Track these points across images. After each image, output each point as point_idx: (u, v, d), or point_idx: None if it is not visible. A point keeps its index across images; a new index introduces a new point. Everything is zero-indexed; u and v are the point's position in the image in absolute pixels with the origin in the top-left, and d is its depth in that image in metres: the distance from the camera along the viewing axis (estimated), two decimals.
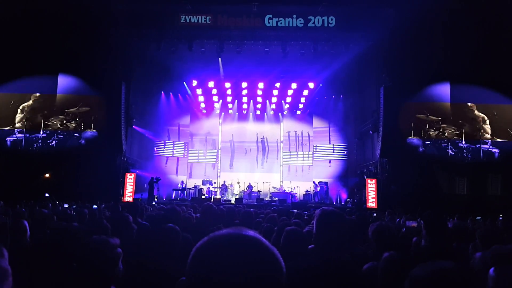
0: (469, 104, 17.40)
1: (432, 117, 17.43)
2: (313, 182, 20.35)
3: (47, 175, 16.66)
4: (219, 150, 23.42)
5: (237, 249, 0.89)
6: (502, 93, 17.27)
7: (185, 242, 3.24)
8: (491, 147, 17.15)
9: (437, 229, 3.27)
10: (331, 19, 16.31)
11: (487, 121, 17.30)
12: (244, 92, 21.67)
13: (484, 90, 17.32)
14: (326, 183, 19.95)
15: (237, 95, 22.17)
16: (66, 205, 9.77)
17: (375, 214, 10.19)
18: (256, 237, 0.93)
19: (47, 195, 12.18)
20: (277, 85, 20.91)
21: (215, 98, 22.41)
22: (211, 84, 20.98)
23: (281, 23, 16.40)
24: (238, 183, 20.97)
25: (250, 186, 20.45)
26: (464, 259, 3.67)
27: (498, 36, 16.09)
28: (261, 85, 20.97)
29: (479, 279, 2.76)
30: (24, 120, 17.60)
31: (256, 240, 0.92)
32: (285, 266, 0.94)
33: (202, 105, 22.73)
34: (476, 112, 17.37)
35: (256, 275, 0.86)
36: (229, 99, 22.53)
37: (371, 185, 16.55)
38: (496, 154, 17.07)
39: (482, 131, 17.27)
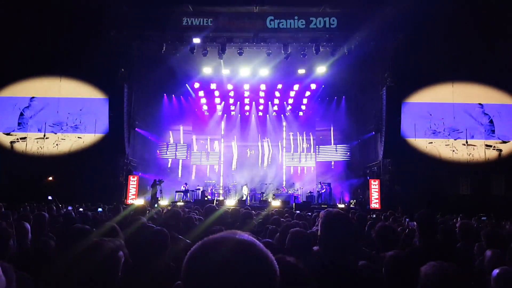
0: (479, 103, 17.33)
1: (435, 117, 17.39)
2: (320, 183, 20.27)
3: (50, 178, 16.70)
4: (222, 152, 23.41)
5: (230, 253, 0.88)
6: (506, 92, 17.21)
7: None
8: (494, 146, 17.09)
9: (428, 229, 3.29)
10: (333, 20, 16.30)
11: (492, 121, 17.25)
12: (246, 93, 21.68)
13: (488, 90, 17.28)
14: (329, 184, 19.90)
15: (239, 97, 22.18)
16: (70, 208, 9.79)
17: (374, 215, 10.13)
18: (249, 241, 0.92)
19: (50, 198, 12.20)
20: (279, 86, 20.91)
21: (217, 100, 22.43)
22: (213, 86, 21.00)
23: (282, 25, 16.41)
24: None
25: (253, 189, 20.44)
26: (469, 259, 3.65)
27: (501, 35, 16.04)
28: (263, 86, 20.98)
29: (485, 279, 2.74)
30: (27, 123, 17.68)
31: (250, 243, 0.91)
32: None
33: (205, 107, 22.74)
34: (484, 111, 17.31)
35: (249, 279, 0.85)
36: (231, 101, 22.54)
37: (375, 186, 16.51)
38: (500, 154, 17.00)
39: (486, 130, 17.21)
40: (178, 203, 16.02)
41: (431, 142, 17.27)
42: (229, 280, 0.84)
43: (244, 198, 19.12)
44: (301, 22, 16.32)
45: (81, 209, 9.26)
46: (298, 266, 1.53)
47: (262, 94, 21.60)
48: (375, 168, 18.13)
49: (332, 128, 22.73)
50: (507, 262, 2.83)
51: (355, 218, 5.94)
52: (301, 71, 19.42)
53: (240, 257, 0.88)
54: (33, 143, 17.47)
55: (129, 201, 16.00)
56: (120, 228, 3.35)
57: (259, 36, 16.70)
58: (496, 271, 2.32)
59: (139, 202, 15.80)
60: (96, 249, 1.79)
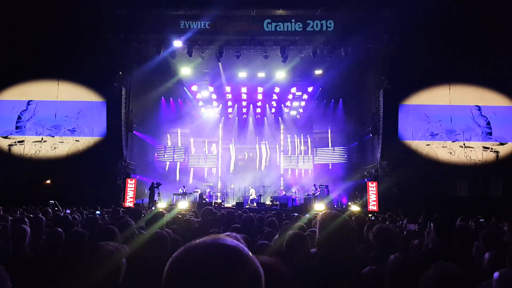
0: (476, 105, 17.38)
1: (433, 120, 17.44)
2: (314, 185, 20.30)
3: (47, 181, 16.64)
4: (220, 155, 23.40)
5: (213, 258, 0.85)
6: (503, 94, 17.28)
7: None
8: (492, 148, 17.14)
9: (447, 231, 3.27)
10: (330, 23, 16.34)
11: (489, 123, 17.31)
12: (244, 96, 21.70)
13: (485, 92, 17.34)
14: (327, 186, 19.88)
15: (237, 99, 22.20)
16: (68, 211, 9.74)
17: (373, 218, 10.12)
18: (232, 245, 0.90)
19: (51, 202, 12.13)
20: (277, 89, 20.95)
21: (215, 103, 22.44)
22: (211, 88, 21.01)
23: (280, 28, 16.44)
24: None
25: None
26: (468, 260, 3.65)
27: (497, 37, 16.12)
28: (260, 89, 21.00)
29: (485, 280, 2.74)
30: (25, 127, 17.64)
31: (233, 247, 0.89)
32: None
33: (202, 109, 22.74)
34: (481, 113, 17.35)
35: (233, 284, 0.83)
36: (229, 103, 22.56)
37: (372, 188, 16.51)
38: (497, 156, 17.05)
39: (483, 132, 17.27)
40: (181, 207, 15.80)
41: (429, 144, 17.31)
42: (212, 286, 0.82)
43: (252, 199, 19.26)
44: (298, 25, 16.36)
45: (69, 211, 9.21)
46: (276, 267, 1.49)
47: (259, 96, 21.62)
48: (373, 170, 18.13)
49: (329, 131, 22.76)
50: (506, 264, 2.83)
51: (353, 219, 5.93)
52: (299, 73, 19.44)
53: (222, 262, 0.85)
54: (31, 146, 17.42)
55: (127, 204, 15.95)
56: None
57: (256, 39, 16.73)
58: (497, 273, 2.31)
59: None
60: (97, 254, 1.77)
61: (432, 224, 3.51)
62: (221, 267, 0.84)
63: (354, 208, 16.58)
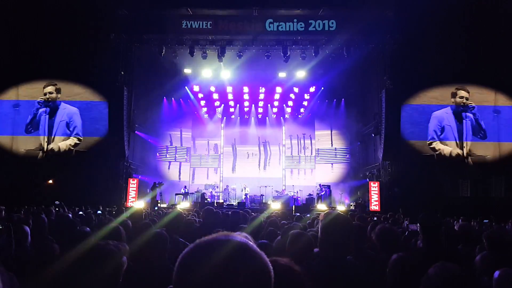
0: (479, 105, 17.30)
1: (435, 119, 17.39)
2: (319, 185, 20.26)
3: (50, 181, 16.68)
4: (222, 155, 23.41)
5: (223, 255, 0.86)
6: (505, 94, 17.23)
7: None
8: (494, 148, 17.08)
9: (432, 231, 3.27)
10: (332, 23, 16.32)
11: (491, 122, 17.25)
12: (246, 96, 21.70)
13: (487, 92, 17.30)
14: (329, 186, 19.87)
15: (238, 99, 22.20)
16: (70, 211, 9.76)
17: (375, 218, 10.10)
18: (242, 242, 0.91)
19: (57, 202, 12.15)
20: (279, 89, 20.93)
21: (217, 103, 22.45)
22: (212, 88, 21.02)
23: (281, 27, 16.42)
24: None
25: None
26: (470, 261, 3.64)
27: (499, 37, 16.07)
28: (262, 89, 21.00)
29: (484, 281, 2.73)
30: (27, 126, 17.69)
31: (243, 244, 0.90)
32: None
33: (204, 109, 22.76)
34: (484, 113, 17.25)
35: (244, 281, 0.84)
36: (231, 103, 22.57)
37: (374, 188, 16.50)
38: (499, 156, 17.00)
39: (485, 132, 17.22)
40: (180, 206, 15.91)
41: (431, 144, 17.27)
42: (222, 282, 0.83)
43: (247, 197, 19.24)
44: (300, 25, 16.34)
45: (81, 212, 9.24)
46: (293, 268, 1.50)
47: (261, 96, 21.61)
48: (375, 170, 18.12)
49: (331, 131, 22.74)
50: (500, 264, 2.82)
51: (355, 220, 5.93)
52: (301, 74, 19.42)
53: (233, 258, 0.86)
54: (33, 145, 17.46)
55: (129, 204, 15.97)
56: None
57: (258, 39, 16.73)
58: (497, 272, 2.31)
59: (139, 204, 15.70)
60: (99, 253, 1.77)
61: (418, 224, 3.51)
62: (231, 262, 0.86)
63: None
